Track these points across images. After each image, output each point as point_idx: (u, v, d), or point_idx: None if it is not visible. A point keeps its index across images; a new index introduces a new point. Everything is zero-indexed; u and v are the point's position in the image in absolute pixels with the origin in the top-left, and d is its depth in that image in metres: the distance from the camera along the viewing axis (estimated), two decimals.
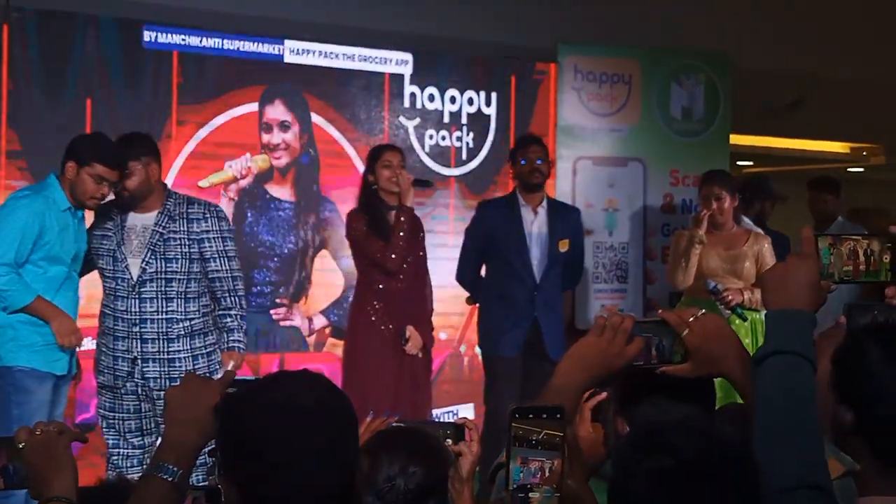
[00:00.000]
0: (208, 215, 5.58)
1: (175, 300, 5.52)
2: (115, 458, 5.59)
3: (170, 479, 2.24)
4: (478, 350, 7.30)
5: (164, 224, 5.50)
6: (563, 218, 6.89)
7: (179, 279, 5.52)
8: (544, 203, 6.83)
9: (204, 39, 7.06)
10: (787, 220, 9.26)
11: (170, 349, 5.51)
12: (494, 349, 6.72)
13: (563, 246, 6.80)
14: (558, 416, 2.00)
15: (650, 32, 8.57)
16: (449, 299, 7.52)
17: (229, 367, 5.56)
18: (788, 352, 2.08)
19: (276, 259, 7.35)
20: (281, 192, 7.38)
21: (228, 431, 2.14)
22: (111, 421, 5.58)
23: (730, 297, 6.60)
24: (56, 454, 2.34)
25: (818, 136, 13.05)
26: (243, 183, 7.23)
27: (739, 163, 14.18)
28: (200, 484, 4.69)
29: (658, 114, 8.34)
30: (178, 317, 5.52)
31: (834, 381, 2.16)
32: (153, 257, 5.47)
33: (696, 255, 6.76)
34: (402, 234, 6.19)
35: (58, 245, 5.43)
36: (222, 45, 7.12)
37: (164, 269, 5.49)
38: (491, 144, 8.09)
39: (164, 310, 5.50)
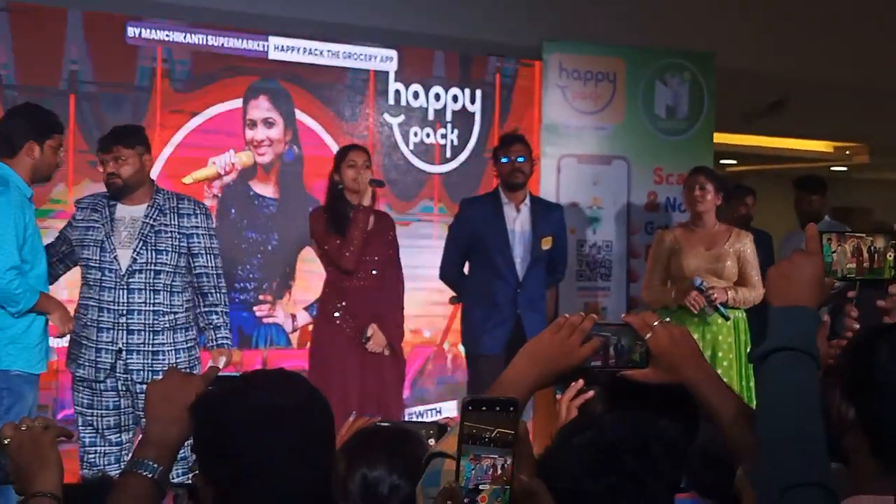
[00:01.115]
0: (198, 211, 5.63)
1: (162, 292, 5.51)
2: (92, 455, 5.54)
3: (150, 476, 2.23)
4: (461, 348, 7.30)
5: (154, 216, 5.51)
6: (546, 215, 6.89)
7: (167, 272, 5.52)
8: (527, 201, 6.83)
9: (188, 35, 7.03)
10: (769, 219, 9.30)
11: (154, 341, 5.50)
12: (478, 347, 6.72)
13: (546, 243, 6.80)
14: (511, 408, 2.00)
15: (635, 31, 8.58)
16: (433, 296, 7.52)
17: (221, 364, 5.57)
18: (792, 348, 2.07)
19: (259, 256, 7.33)
20: (265, 188, 7.36)
21: (203, 431, 2.13)
22: (88, 418, 5.54)
23: (715, 296, 6.61)
24: (41, 450, 2.32)
25: (802, 135, 13.07)
26: (227, 179, 7.22)
27: (723, 161, 14.21)
28: (179, 480, 4.70)
29: (642, 112, 8.34)
30: (164, 309, 5.52)
31: (840, 376, 2.16)
32: (144, 248, 5.47)
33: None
34: (357, 232, 6.15)
35: (35, 234, 5.39)
36: (206, 40, 7.10)
37: (154, 261, 5.49)
38: (475, 142, 8.08)
39: (152, 301, 5.50)
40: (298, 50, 7.40)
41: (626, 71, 8.30)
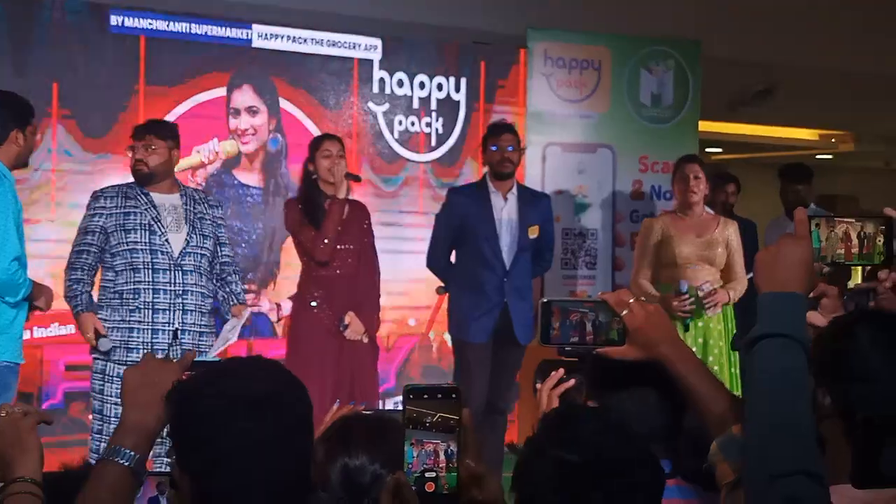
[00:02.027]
0: (219, 204, 5.96)
1: (205, 276, 5.76)
2: None
3: (126, 464, 2.20)
4: (447, 336, 7.29)
5: (191, 205, 5.75)
6: (533, 204, 6.87)
7: (208, 257, 5.78)
8: (514, 189, 6.81)
9: (171, 24, 7.01)
10: (754, 208, 9.30)
11: (202, 322, 5.72)
12: (464, 335, 6.71)
13: (533, 232, 6.79)
14: (453, 395, 2.00)
15: (620, 19, 8.57)
16: (419, 285, 7.51)
17: (245, 315, 5.83)
18: (781, 335, 2.05)
19: (244, 245, 7.32)
20: (249, 177, 7.35)
21: (179, 419, 2.10)
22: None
23: (717, 299, 6.62)
24: (21, 435, 2.31)
25: (787, 123, 13.09)
26: (211, 168, 7.21)
27: (708, 150, 14.21)
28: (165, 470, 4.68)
29: (627, 100, 8.34)
30: (207, 293, 5.77)
31: (817, 363, 2.14)
32: (193, 232, 5.69)
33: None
34: (332, 224, 6.13)
35: (21, 219, 5.38)
36: (189, 29, 7.08)
37: (202, 245, 5.72)
38: (460, 130, 8.07)
39: (200, 283, 5.71)
40: (282, 38, 7.39)
41: (611, 59, 8.30)
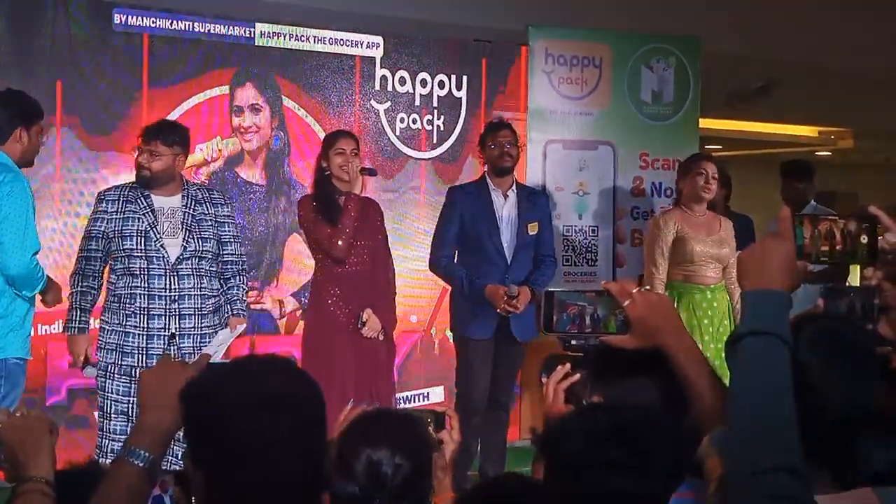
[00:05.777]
0: (226, 201, 5.95)
1: (205, 277, 5.74)
2: (121, 444, 5.52)
3: (141, 465, 2.23)
4: (449, 333, 7.32)
5: (192, 206, 5.74)
6: (532, 202, 6.88)
7: (209, 258, 5.76)
8: (514, 187, 6.84)
9: (174, 22, 7.03)
10: (754, 203, 9.32)
11: (202, 324, 5.71)
12: (466, 332, 6.73)
13: (533, 229, 6.81)
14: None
15: (621, 16, 8.59)
16: (420, 282, 7.53)
17: (238, 330, 5.78)
18: (764, 333, 2.08)
19: (246, 242, 7.31)
20: (251, 175, 7.37)
21: (192, 416, 2.13)
22: (123, 406, 5.58)
23: None
24: (35, 437, 2.34)
25: (786, 119, 13.11)
26: (214, 166, 7.21)
27: (708, 147, 14.23)
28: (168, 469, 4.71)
29: (628, 97, 8.36)
30: (208, 293, 5.76)
31: None
32: (191, 237, 5.69)
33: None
34: (349, 220, 6.12)
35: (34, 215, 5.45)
36: (193, 27, 7.09)
37: (200, 249, 5.70)
38: (461, 127, 8.09)
39: (199, 286, 5.71)
40: (285, 36, 7.40)
41: (611, 56, 8.32)
